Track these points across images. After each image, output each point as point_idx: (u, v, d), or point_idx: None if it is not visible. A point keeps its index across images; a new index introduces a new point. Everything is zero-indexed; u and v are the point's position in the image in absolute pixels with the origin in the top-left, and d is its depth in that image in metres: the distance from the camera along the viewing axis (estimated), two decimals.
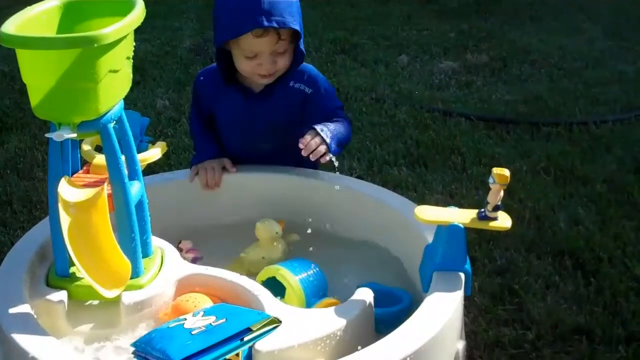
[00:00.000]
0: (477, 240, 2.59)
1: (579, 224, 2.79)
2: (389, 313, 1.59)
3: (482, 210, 1.57)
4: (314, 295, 1.64)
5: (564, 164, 3.27)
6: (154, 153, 1.77)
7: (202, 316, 1.41)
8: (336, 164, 1.88)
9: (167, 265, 1.65)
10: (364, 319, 1.51)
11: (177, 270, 1.64)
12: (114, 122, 1.50)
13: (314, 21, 5.33)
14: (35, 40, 1.35)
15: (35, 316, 1.45)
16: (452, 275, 1.55)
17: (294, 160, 1.99)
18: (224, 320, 1.39)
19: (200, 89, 2.11)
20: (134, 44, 1.51)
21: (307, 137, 1.85)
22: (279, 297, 1.58)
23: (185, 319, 1.40)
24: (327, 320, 1.46)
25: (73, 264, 1.43)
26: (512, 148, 3.48)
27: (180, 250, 1.79)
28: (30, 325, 1.41)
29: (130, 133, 1.57)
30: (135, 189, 1.58)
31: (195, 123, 2.15)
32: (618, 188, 3.06)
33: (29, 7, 1.46)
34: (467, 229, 1.56)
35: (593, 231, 2.74)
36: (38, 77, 1.39)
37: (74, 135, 1.42)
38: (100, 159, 1.61)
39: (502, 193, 1.54)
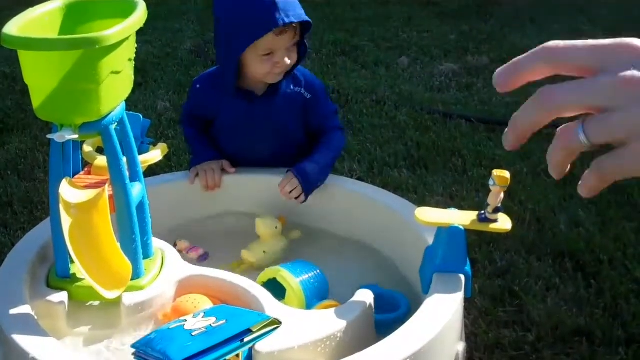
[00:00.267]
0: (477, 242, 2.59)
1: (580, 226, 2.79)
2: (386, 320, 1.58)
3: (483, 212, 1.57)
4: (315, 298, 1.64)
5: None
6: (155, 155, 1.77)
7: (203, 317, 1.41)
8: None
9: (168, 267, 1.65)
10: (364, 320, 1.51)
11: (177, 271, 1.64)
12: (116, 123, 1.50)
13: (314, 23, 5.31)
14: (38, 41, 1.35)
15: (35, 317, 1.45)
16: (453, 277, 1.55)
17: (291, 162, 2.00)
18: (224, 321, 1.39)
19: (200, 97, 2.09)
20: (136, 45, 1.51)
21: (284, 182, 1.95)
22: (280, 299, 1.58)
23: (186, 320, 1.40)
24: (328, 322, 1.46)
25: (74, 265, 1.43)
26: (512, 150, 3.47)
27: (179, 252, 1.79)
28: (30, 326, 1.41)
29: (131, 135, 1.57)
30: (137, 190, 1.58)
31: (190, 127, 2.14)
32: (618, 189, 3.05)
33: (31, 9, 1.46)
34: (468, 231, 1.56)
35: (593, 233, 2.74)
36: (40, 78, 1.39)
37: (76, 136, 1.42)
38: (101, 161, 1.61)
39: (502, 195, 1.54)
